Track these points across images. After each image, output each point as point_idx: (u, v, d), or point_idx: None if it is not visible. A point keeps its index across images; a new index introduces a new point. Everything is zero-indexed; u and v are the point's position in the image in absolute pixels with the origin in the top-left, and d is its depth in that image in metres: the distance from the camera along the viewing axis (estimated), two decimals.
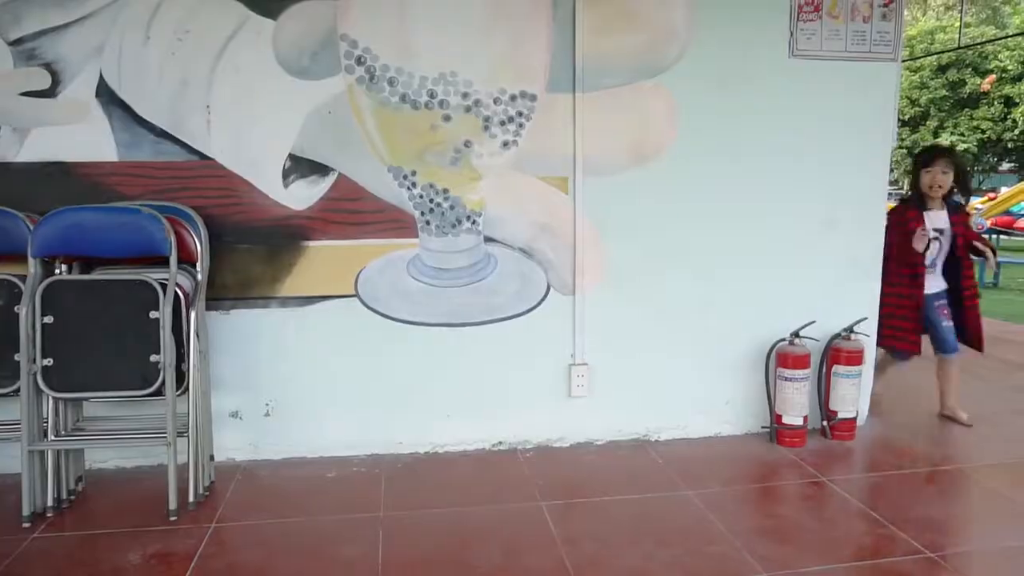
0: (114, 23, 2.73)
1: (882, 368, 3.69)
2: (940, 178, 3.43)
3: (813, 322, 3.21)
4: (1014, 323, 6.35)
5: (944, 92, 21.36)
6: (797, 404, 3.19)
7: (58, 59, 2.73)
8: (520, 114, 2.96)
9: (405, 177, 2.95)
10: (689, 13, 3.01)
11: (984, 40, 19.77)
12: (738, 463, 3.07)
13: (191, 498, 2.59)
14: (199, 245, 2.69)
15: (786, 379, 3.18)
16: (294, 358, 2.99)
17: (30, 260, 2.49)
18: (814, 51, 3.13)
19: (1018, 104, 19.92)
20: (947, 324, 3.49)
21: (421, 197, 2.97)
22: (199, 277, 2.70)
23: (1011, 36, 18.67)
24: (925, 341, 3.56)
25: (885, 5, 3.16)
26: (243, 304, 2.93)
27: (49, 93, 2.74)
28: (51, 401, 2.55)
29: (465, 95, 2.91)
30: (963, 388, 4.20)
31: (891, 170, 3.60)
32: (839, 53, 3.15)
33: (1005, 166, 23.58)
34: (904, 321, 3.44)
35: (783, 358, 3.19)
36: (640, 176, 3.09)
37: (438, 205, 2.98)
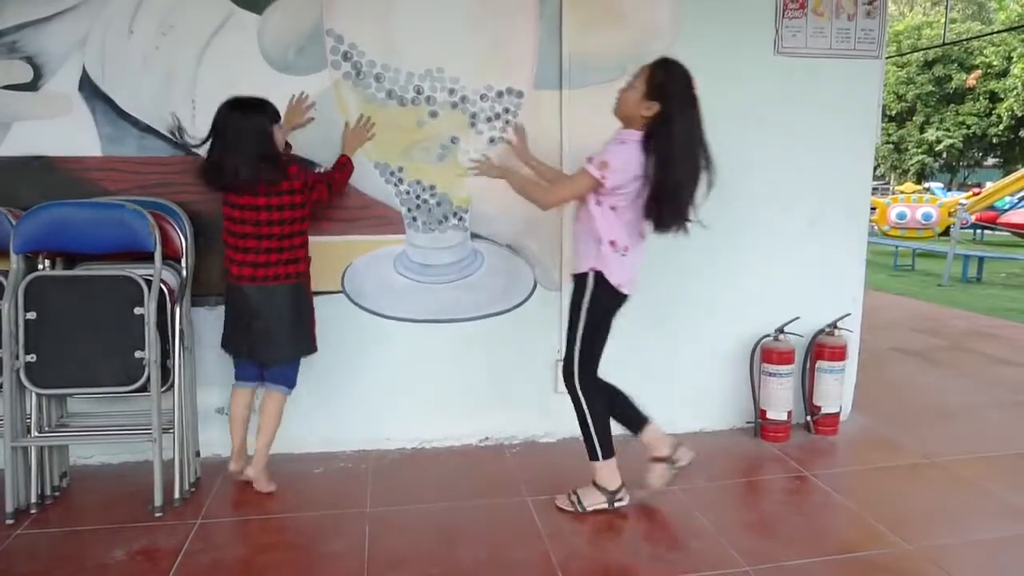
0: (97, 16, 2.71)
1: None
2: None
3: (797, 318, 3.24)
4: (996, 317, 6.43)
5: (930, 87, 21.53)
6: (781, 399, 3.22)
7: (40, 52, 2.70)
8: (507, 110, 2.96)
9: (392, 173, 2.94)
10: (674, 10, 3.02)
11: (970, 36, 19.93)
12: (723, 458, 3.09)
13: (177, 494, 2.59)
14: (184, 241, 2.68)
15: (770, 375, 3.21)
16: None
17: (12, 256, 2.47)
18: (799, 48, 3.15)
19: (1003, 100, 20.09)
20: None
21: (408, 193, 2.97)
22: (184, 273, 2.69)
23: (995, 32, 18.81)
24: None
25: (869, 3, 3.18)
26: None
27: (31, 86, 2.72)
28: (34, 397, 2.54)
29: (452, 91, 2.91)
30: (944, 382, 4.28)
31: (876, 166, 3.61)
32: (824, 50, 3.17)
33: (990, 161, 23.82)
34: None
35: (767, 354, 3.22)
36: None
37: (425, 201, 2.98)
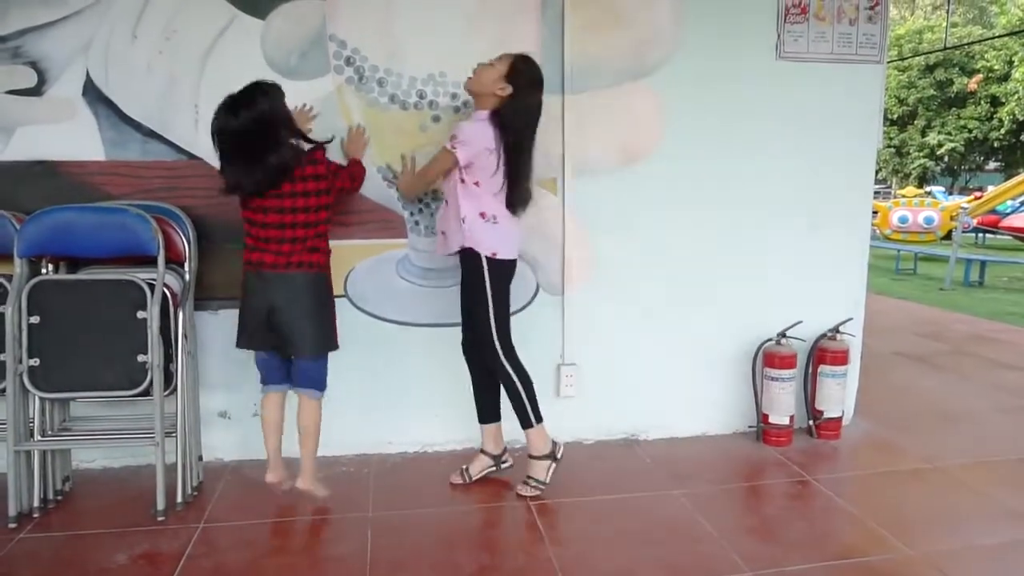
0: (101, 21, 2.72)
1: None
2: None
3: (800, 322, 3.24)
4: (998, 321, 6.42)
5: (932, 91, 21.54)
6: (783, 404, 3.22)
7: (44, 57, 2.71)
8: None
9: (395, 177, 2.95)
10: (676, 14, 3.03)
11: (971, 40, 19.94)
12: (725, 462, 3.09)
13: (179, 498, 2.59)
14: (187, 245, 2.68)
15: (773, 379, 3.21)
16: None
17: (16, 260, 2.48)
18: (800, 53, 3.15)
19: (1004, 104, 20.10)
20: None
21: None
22: (187, 277, 2.69)
23: (996, 37, 18.83)
24: None
25: (871, 8, 3.19)
26: (232, 304, 2.88)
27: (35, 91, 2.73)
28: (37, 401, 2.54)
29: (454, 96, 2.91)
30: (946, 386, 4.28)
31: (878, 169, 3.60)
32: (825, 55, 3.18)
33: (991, 165, 23.82)
34: None
35: (770, 358, 3.22)
36: (628, 177, 3.10)
37: (427, 205, 2.98)
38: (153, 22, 2.75)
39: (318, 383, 2.62)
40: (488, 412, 2.85)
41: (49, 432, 2.61)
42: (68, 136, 2.75)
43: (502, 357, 2.64)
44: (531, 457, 2.75)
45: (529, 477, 2.73)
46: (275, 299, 2.47)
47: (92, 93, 2.75)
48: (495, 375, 2.69)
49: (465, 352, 2.82)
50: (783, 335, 3.23)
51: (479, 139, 2.50)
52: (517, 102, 2.53)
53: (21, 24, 2.68)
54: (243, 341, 2.57)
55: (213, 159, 2.80)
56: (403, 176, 2.90)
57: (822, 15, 3.16)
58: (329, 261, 2.61)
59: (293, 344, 2.53)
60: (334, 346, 2.64)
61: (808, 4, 3.13)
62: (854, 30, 3.19)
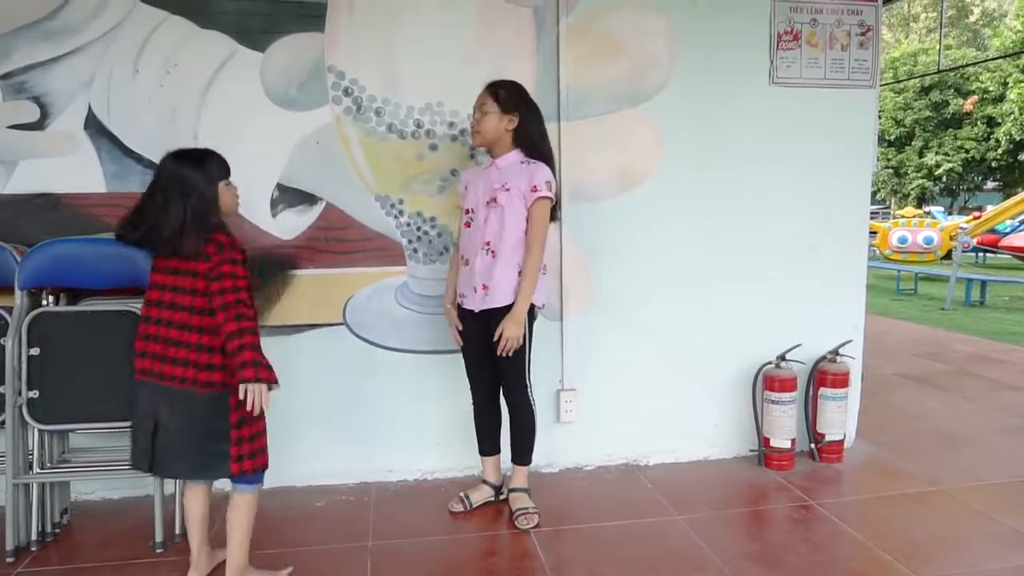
0: (103, 57, 2.76)
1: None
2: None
3: (799, 345, 3.24)
4: (1000, 341, 6.41)
5: (928, 112, 21.69)
6: (784, 427, 3.20)
7: (47, 92, 2.75)
8: None
9: (392, 206, 2.97)
10: (670, 42, 3.07)
11: (964, 63, 20.14)
12: (727, 487, 3.07)
13: (178, 530, 2.57)
14: None
15: (773, 402, 3.20)
16: (282, 387, 2.93)
17: (17, 292, 2.49)
18: (793, 78, 3.20)
19: (1000, 124, 20.23)
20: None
21: (408, 225, 3.00)
22: None
23: (989, 60, 19.03)
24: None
25: (862, 34, 3.24)
26: None
27: (37, 125, 2.76)
28: (36, 433, 2.54)
29: (451, 124, 2.95)
30: (949, 408, 4.25)
31: (877, 190, 3.62)
32: (818, 80, 3.22)
33: (989, 185, 23.90)
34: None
35: (770, 381, 3.21)
36: (625, 202, 3.12)
37: (425, 233, 3.00)
38: (154, 56, 2.79)
39: (257, 478, 2.21)
40: (492, 445, 2.88)
41: (48, 464, 2.60)
42: (70, 169, 2.78)
43: (531, 401, 2.74)
44: (515, 491, 2.79)
45: (522, 508, 2.72)
46: (159, 412, 2.09)
47: (94, 126, 2.78)
48: (515, 413, 2.75)
49: (485, 403, 2.83)
50: (783, 358, 3.23)
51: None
52: (529, 123, 2.58)
53: (25, 61, 2.72)
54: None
55: None
56: (530, 272, 2.55)
57: (814, 42, 3.20)
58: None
59: (172, 466, 2.15)
60: (226, 472, 2.14)
61: (800, 31, 3.18)
62: (846, 56, 3.23)
